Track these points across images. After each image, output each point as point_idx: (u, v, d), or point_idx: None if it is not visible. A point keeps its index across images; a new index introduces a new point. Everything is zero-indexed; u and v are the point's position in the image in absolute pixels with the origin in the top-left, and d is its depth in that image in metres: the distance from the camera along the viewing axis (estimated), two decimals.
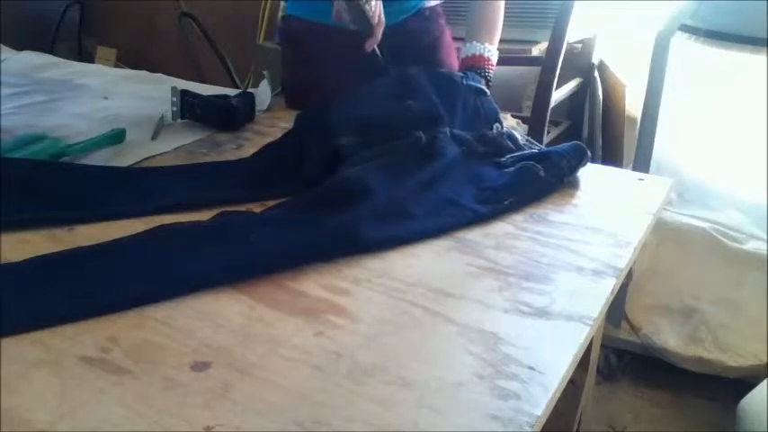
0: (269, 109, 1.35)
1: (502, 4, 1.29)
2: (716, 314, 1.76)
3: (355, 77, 1.17)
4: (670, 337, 1.78)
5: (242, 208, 0.94)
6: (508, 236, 0.89)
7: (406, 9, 1.32)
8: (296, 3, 1.37)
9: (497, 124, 1.10)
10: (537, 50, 2.08)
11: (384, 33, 1.18)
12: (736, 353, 1.71)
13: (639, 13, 2.09)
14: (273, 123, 1.28)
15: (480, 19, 1.28)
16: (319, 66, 1.32)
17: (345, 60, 1.22)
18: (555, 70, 1.82)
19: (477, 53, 1.24)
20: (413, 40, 1.21)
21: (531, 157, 1.03)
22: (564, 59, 1.84)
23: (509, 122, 1.18)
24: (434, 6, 1.37)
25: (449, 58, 1.37)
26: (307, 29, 1.34)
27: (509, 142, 1.08)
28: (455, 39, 1.41)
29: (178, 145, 1.17)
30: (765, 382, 1.46)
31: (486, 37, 1.25)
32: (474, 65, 1.23)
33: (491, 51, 1.24)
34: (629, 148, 2.10)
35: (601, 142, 2.29)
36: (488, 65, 1.23)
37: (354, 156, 1.00)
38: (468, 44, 1.25)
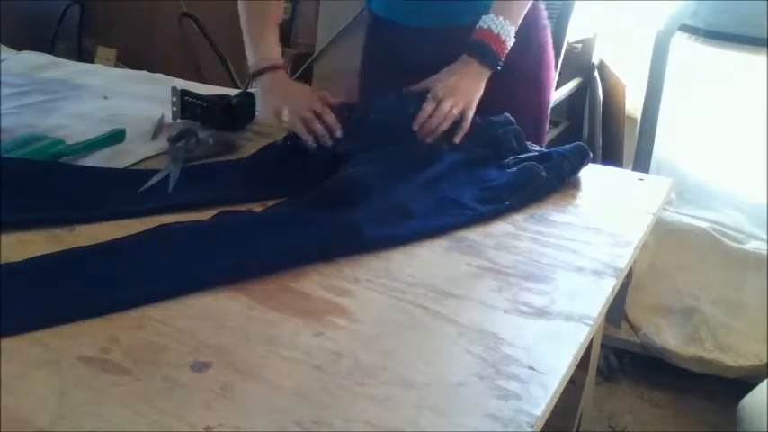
0: None
1: None
2: (716, 314, 1.76)
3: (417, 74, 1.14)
4: (670, 337, 1.78)
5: (242, 208, 0.94)
6: (508, 236, 0.89)
7: (469, 10, 1.18)
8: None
9: (508, 126, 1.10)
10: None
11: (441, 32, 1.17)
12: (736, 353, 1.71)
13: (639, 13, 2.09)
14: (273, 123, 1.27)
15: None
16: (394, 65, 1.28)
17: (419, 62, 1.19)
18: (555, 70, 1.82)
19: (486, 27, 1.09)
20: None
21: (533, 157, 1.03)
22: (564, 59, 1.84)
23: None
24: None
25: (520, 60, 1.21)
26: (385, 26, 1.29)
27: (514, 141, 1.08)
28: None
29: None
30: (765, 382, 1.46)
31: (509, 12, 1.10)
32: (480, 39, 1.09)
33: (505, 29, 1.09)
34: (629, 148, 2.10)
35: (601, 142, 2.29)
36: (498, 43, 1.09)
37: (354, 158, 1.00)
38: (484, 16, 1.10)
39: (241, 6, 1.19)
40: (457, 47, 1.12)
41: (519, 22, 1.12)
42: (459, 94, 1.07)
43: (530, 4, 1.14)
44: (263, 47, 1.17)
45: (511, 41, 1.11)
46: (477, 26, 1.11)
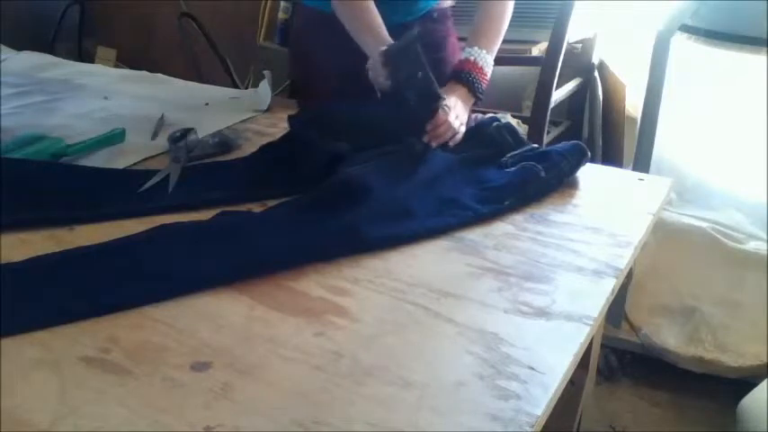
0: (269, 109, 1.35)
1: (510, 5, 1.25)
2: (716, 314, 1.76)
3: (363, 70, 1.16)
4: (670, 337, 1.78)
5: (242, 208, 0.94)
6: (508, 236, 0.89)
7: (415, 10, 1.30)
8: None
9: (497, 122, 1.11)
10: (537, 50, 2.08)
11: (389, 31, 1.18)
12: (736, 353, 1.71)
13: (639, 13, 2.09)
14: (273, 123, 1.28)
15: (486, 21, 1.23)
16: (329, 57, 1.30)
17: (356, 53, 1.21)
18: (555, 70, 1.82)
19: (472, 59, 1.17)
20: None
21: (532, 157, 1.04)
22: (564, 59, 1.83)
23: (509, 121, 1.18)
24: (444, 9, 1.36)
25: (453, 58, 1.34)
26: (320, 19, 1.31)
27: (508, 137, 1.08)
28: (461, 39, 1.39)
29: None
30: (765, 382, 1.46)
31: (487, 42, 1.19)
32: (468, 70, 1.17)
33: (487, 61, 1.18)
34: (629, 148, 2.10)
35: (601, 142, 2.28)
36: (482, 75, 1.17)
37: (351, 158, 1.00)
38: (468, 48, 1.19)
39: (347, 13, 1.19)
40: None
41: (495, 51, 1.21)
42: (459, 111, 1.11)
43: (504, 30, 1.22)
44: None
45: (490, 71, 1.19)
46: (463, 56, 1.19)
